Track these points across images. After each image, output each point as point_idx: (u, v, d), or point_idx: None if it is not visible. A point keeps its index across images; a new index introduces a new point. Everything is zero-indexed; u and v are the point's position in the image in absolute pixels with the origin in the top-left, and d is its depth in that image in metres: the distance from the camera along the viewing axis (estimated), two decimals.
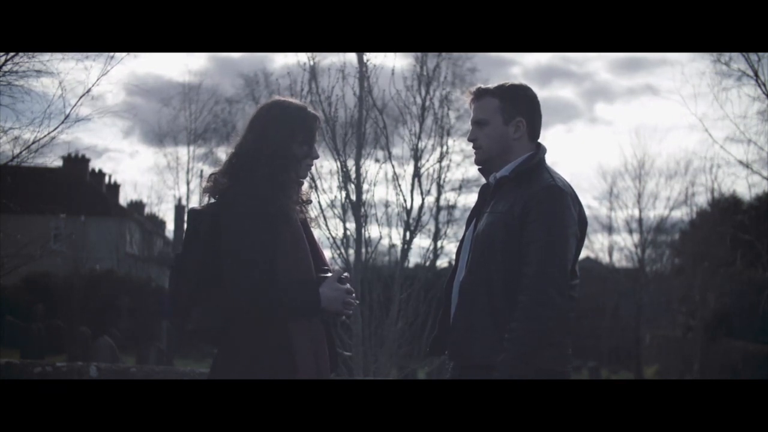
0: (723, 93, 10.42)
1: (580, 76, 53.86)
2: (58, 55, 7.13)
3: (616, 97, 53.81)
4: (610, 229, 29.45)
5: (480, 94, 3.02)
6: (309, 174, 2.99)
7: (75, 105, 7.45)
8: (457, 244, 3.14)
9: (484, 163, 3.05)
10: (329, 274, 2.81)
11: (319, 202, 6.82)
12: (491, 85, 3.05)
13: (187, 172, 28.88)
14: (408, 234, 7.13)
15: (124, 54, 7.27)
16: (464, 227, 3.11)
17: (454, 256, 3.16)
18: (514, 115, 2.98)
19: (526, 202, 2.83)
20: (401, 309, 6.85)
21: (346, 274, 2.84)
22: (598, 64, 56.13)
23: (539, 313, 2.73)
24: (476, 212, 3.06)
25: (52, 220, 16.19)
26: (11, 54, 6.95)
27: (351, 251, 6.91)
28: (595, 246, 30.19)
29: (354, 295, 2.83)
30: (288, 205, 2.79)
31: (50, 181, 10.41)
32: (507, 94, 2.99)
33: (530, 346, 2.73)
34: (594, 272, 28.71)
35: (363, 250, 6.86)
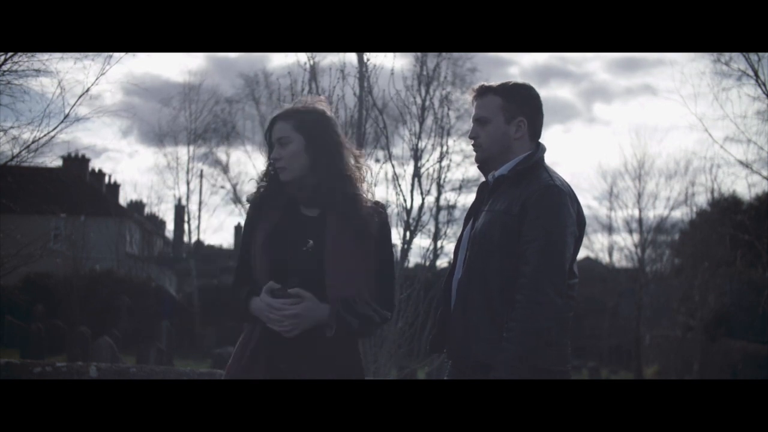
0: (723, 93, 10.42)
1: (578, 76, 53.99)
2: (57, 55, 7.14)
3: (614, 97, 53.95)
4: (610, 229, 29.49)
5: (482, 92, 3.01)
6: None
7: (74, 104, 7.47)
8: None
9: (484, 161, 3.04)
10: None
11: None
12: (494, 83, 3.04)
13: (187, 172, 28.94)
14: (408, 234, 7.11)
15: (122, 54, 7.29)
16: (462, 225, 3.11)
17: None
18: (516, 114, 2.98)
19: (524, 201, 2.83)
20: (401, 309, 6.84)
21: (278, 287, 2.70)
22: (596, 64, 56.24)
23: (537, 313, 2.73)
24: (474, 210, 3.06)
25: (52, 220, 16.17)
26: (10, 54, 6.95)
27: None
28: (595, 246, 30.24)
29: (286, 312, 2.65)
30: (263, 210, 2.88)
31: (50, 181, 10.38)
32: (510, 93, 2.99)
33: (528, 346, 2.72)
34: (594, 272, 28.71)
35: None
